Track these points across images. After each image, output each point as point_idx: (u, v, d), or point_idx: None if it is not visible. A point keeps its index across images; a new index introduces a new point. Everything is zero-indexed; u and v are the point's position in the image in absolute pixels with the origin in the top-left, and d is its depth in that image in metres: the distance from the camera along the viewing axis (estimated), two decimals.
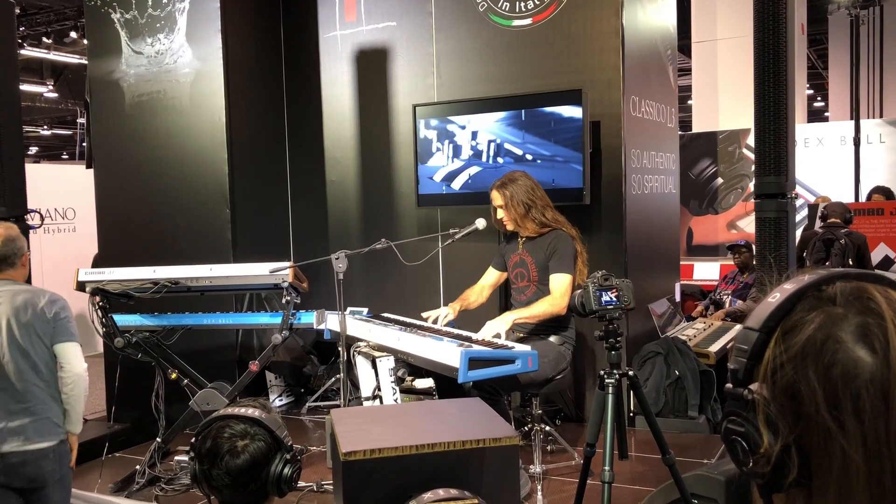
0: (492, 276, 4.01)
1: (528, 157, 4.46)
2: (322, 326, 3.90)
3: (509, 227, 3.77)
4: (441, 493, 1.62)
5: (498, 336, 3.36)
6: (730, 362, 0.76)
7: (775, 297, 0.74)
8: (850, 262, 5.59)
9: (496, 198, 3.75)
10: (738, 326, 5.40)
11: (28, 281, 4.34)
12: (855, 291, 0.72)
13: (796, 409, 0.70)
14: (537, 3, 4.61)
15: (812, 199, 8.09)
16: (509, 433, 1.73)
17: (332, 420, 1.92)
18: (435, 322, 3.72)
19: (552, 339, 3.66)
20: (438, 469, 1.69)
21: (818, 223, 6.36)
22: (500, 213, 3.75)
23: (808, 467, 0.70)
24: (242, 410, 1.85)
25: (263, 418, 1.84)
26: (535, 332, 3.68)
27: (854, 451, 0.67)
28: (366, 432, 1.80)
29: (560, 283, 3.59)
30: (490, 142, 4.60)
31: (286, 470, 1.81)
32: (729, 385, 0.76)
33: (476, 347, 3.12)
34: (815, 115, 18.69)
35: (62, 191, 9.95)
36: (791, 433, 0.70)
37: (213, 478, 1.78)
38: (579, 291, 2.83)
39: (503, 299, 4.52)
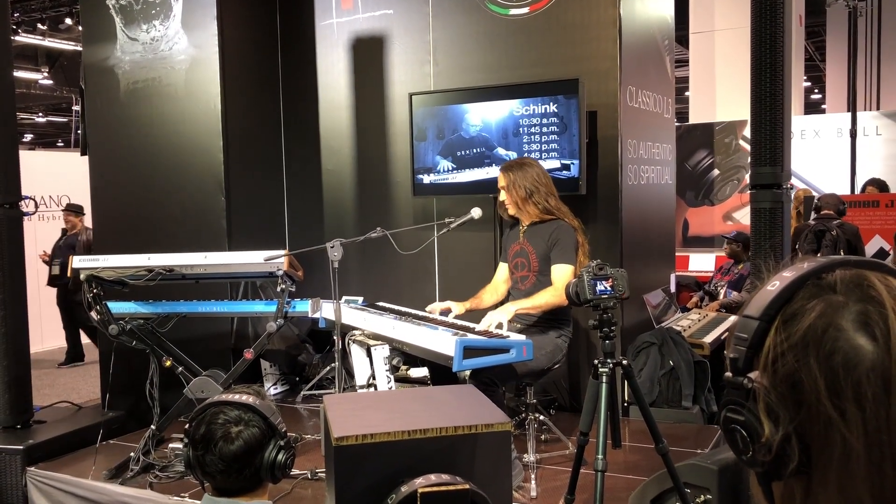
0: (504, 272, 3.96)
1: (524, 146, 4.45)
2: (317, 315, 3.90)
3: (510, 210, 3.76)
4: (433, 478, 1.62)
5: (500, 326, 3.36)
6: (728, 351, 0.76)
7: (774, 286, 0.74)
8: (842, 254, 5.60)
9: (500, 179, 3.76)
10: (732, 317, 5.41)
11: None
12: (855, 279, 0.72)
13: (797, 397, 0.69)
14: None
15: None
16: (501, 419, 1.74)
17: (325, 406, 1.93)
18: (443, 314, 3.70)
19: (550, 332, 3.66)
20: (430, 455, 1.69)
21: (812, 215, 6.37)
22: (503, 196, 3.75)
23: (808, 456, 0.70)
24: (236, 397, 1.85)
25: (257, 405, 1.85)
26: (533, 324, 3.68)
27: (855, 440, 0.67)
28: (358, 418, 1.80)
29: (562, 274, 3.58)
30: (486, 131, 4.59)
31: (280, 456, 1.82)
32: (728, 374, 0.75)
33: (471, 336, 3.12)
34: (813, 108, 18.70)
35: (57, 178, 9.93)
36: (792, 422, 0.69)
37: (206, 463, 1.78)
38: (574, 280, 2.84)
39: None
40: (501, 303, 3.88)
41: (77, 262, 3.87)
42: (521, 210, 3.73)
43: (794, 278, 0.73)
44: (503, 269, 3.96)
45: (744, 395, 0.73)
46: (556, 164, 4.34)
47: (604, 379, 2.69)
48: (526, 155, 4.38)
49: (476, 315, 3.80)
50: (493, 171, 4.42)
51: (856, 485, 0.67)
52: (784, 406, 0.70)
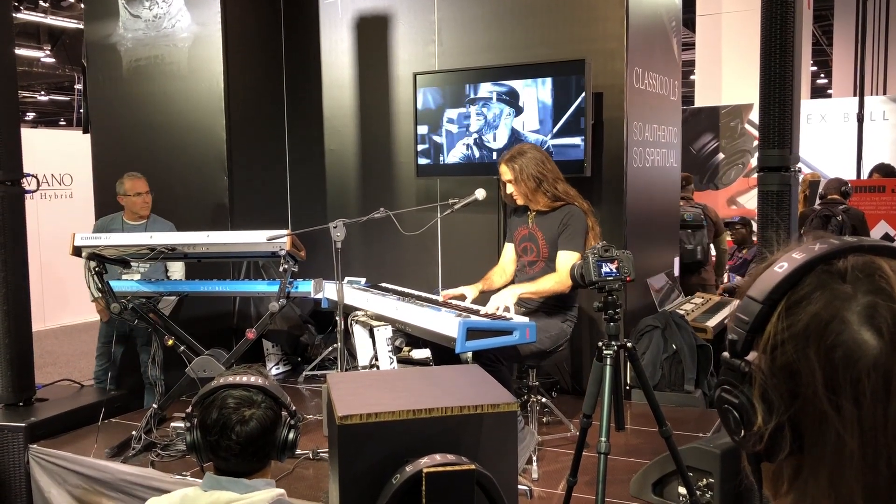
0: (511, 252, 3.91)
1: (529, 127, 4.42)
2: (319, 295, 3.88)
3: (520, 201, 3.69)
4: (438, 458, 1.61)
5: (507, 310, 3.33)
6: (729, 332, 0.73)
7: (782, 268, 0.70)
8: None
9: (505, 172, 3.66)
10: (736, 302, 5.38)
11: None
12: (867, 268, 0.68)
13: (794, 388, 0.67)
14: None
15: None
16: (508, 399, 1.72)
17: (329, 384, 1.91)
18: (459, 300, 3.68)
19: (555, 316, 3.64)
20: (435, 434, 1.67)
21: (817, 201, 6.34)
22: (510, 188, 3.67)
23: (800, 445, 0.68)
24: (244, 378, 1.83)
25: (266, 385, 1.83)
26: (538, 308, 3.66)
27: (849, 436, 0.64)
28: (362, 397, 1.79)
29: (567, 261, 3.52)
30: (491, 112, 4.56)
31: (291, 435, 1.81)
32: (726, 354, 0.73)
33: (474, 318, 3.10)
34: (819, 92, 18.59)
35: (59, 156, 9.91)
36: (786, 412, 0.67)
37: (221, 448, 1.76)
38: (579, 262, 2.81)
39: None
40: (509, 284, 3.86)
41: (79, 239, 3.85)
42: (531, 200, 3.67)
43: (803, 261, 0.70)
44: (510, 250, 3.91)
45: (739, 377, 0.71)
46: None
47: (608, 361, 2.68)
48: (525, 138, 4.34)
49: (484, 298, 3.79)
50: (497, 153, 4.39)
51: (848, 481, 0.65)
52: (779, 395, 0.68)
